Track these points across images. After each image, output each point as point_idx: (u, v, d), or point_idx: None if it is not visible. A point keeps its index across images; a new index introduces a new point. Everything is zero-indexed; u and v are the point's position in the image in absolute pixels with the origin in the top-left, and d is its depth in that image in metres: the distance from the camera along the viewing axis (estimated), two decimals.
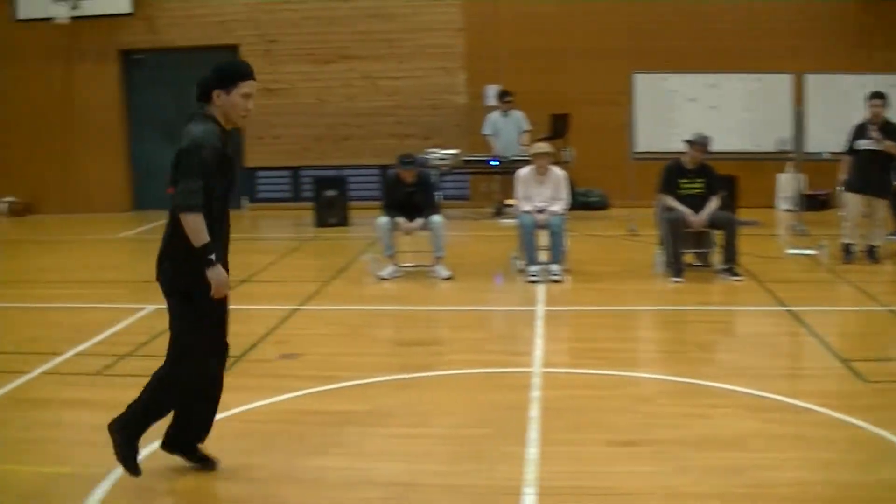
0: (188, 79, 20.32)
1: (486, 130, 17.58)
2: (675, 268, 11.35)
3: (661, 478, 5.53)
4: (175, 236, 5.46)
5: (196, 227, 5.27)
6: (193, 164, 5.29)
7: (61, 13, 19.42)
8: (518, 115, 17.42)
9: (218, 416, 6.78)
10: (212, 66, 5.52)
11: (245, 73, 5.50)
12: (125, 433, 5.59)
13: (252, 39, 19.62)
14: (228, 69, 5.52)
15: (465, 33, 18.84)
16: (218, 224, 5.46)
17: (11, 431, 6.66)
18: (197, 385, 5.72)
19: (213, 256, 5.33)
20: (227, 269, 5.56)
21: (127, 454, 5.58)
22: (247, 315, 10.53)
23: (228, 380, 7.69)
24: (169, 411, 5.77)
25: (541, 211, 11.67)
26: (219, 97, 5.45)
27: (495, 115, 17.60)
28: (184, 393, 5.73)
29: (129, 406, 5.66)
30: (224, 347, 5.90)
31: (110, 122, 20.41)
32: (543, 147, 12.03)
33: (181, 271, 5.50)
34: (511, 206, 14.53)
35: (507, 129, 17.42)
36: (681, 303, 10.49)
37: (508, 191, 15.56)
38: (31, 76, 20.31)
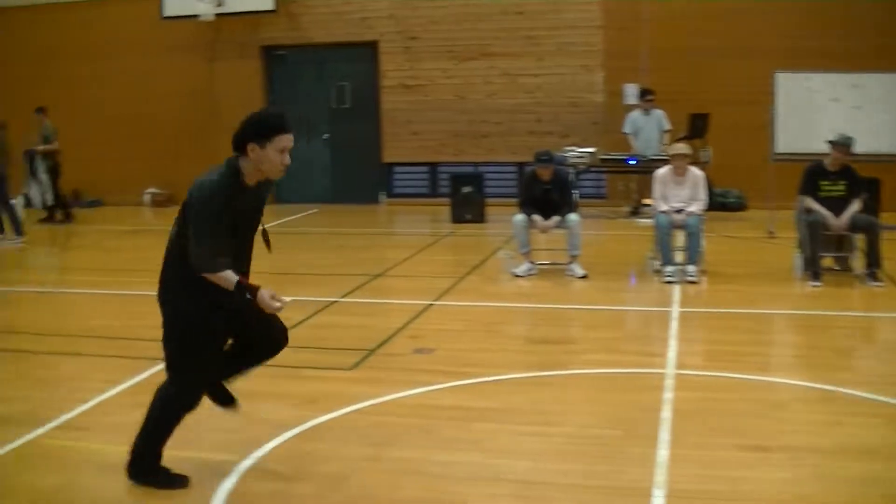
0: (329, 74, 20.70)
1: (627, 129, 17.47)
2: (814, 271, 11.14)
3: (793, 485, 5.45)
4: (170, 272, 5.45)
5: (222, 280, 5.18)
6: (201, 224, 5.15)
7: (206, 11, 19.90)
8: (659, 114, 17.29)
9: (350, 409, 6.96)
10: (250, 118, 5.30)
11: (282, 127, 5.25)
12: (141, 468, 5.61)
13: (392, 36, 19.87)
14: (265, 121, 5.27)
15: (605, 31, 18.76)
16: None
17: None
18: (195, 398, 5.66)
19: (248, 294, 5.19)
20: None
21: (163, 482, 5.59)
22: (382, 309, 10.70)
23: (361, 373, 7.91)
24: (173, 426, 5.65)
25: (678, 211, 11.57)
26: (253, 151, 5.19)
27: (636, 114, 17.48)
28: (187, 407, 5.65)
29: (135, 441, 5.64)
30: (275, 340, 5.89)
31: None
32: (682, 148, 11.91)
33: (177, 307, 5.45)
34: (648, 205, 14.45)
35: (647, 128, 17.30)
36: (819, 307, 10.31)
37: (645, 190, 15.50)
38: (175, 71, 20.96)
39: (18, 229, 16.20)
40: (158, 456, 5.61)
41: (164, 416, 5.59)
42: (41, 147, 18.48)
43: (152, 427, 5.59)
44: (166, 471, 5.62)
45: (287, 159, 5.30)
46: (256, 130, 5.21)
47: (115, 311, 10.50)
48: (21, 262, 14.86)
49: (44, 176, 18.73)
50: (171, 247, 5.44)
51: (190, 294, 5.32)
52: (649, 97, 17.30)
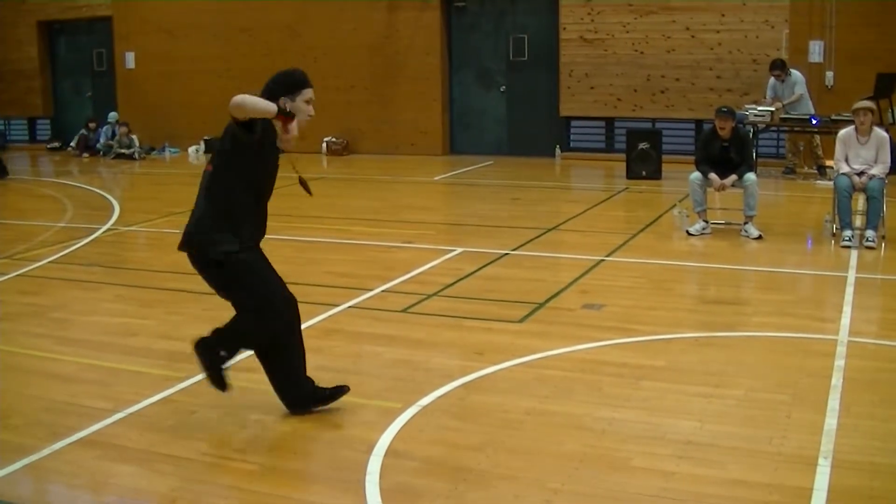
0: (507, 26, 20.70)
1: (768, 94, 17.06)
2: None
3: None
4: (207, 208, 5.74)
5: (259, 103, 5.44)
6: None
7: None
8: (795, 78, 16.76)
9: (516, 361, 7.05)
10: (279, 74, 5.83)
11: (306, 82, 5.84)
12: (208, 352, 5.95)
13: None
14: (292, 79, 5.83)
15: None
16: (253, 209, 5.84)
17: (317, 361, 7.03)
18: (271, 333, 5.93)
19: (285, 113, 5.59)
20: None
21: (214, 377, 5.96)
22: (553, 263, 10.75)
23: (529, 326, 7.97)
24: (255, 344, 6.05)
25: (860, 173, 11.27)
26: (285, 104, 5.67)
27: (773, 80, 17.03)
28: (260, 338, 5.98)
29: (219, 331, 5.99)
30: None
31: (430, 67, 21.07)
32: (866, 104, 11.53)
33: (213, 242, 5.70)
34: (829, 166, 14.12)
35: (785, 94, 16.85)
36: None
37: (806, 153, 15.15)
38: (355, 21, 21.32)
39: None
40: (224, 358, 5.98)
41: (241, 340, 6.00)
42: None
43: (230, 341, 5.97)
44: (221, 371, 5.96)
45: (312, 110, 5.89)
46: (288, 86, 5.81)
47: (288, 256, 10.73)
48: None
49: None
50: (203, 193, 5.82)
51: (224, 238, 5.69)
52: (776, 72, 16.82)
